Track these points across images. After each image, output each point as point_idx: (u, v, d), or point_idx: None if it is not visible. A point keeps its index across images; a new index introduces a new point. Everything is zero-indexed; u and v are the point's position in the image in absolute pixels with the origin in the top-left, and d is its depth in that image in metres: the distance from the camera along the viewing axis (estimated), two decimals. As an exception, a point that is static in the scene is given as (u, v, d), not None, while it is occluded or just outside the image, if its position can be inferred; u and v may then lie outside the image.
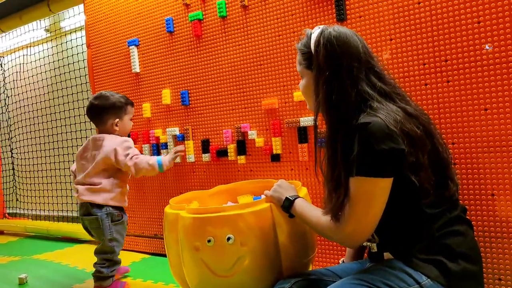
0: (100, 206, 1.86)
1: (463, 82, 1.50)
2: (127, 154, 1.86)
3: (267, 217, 1.43)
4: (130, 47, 2.45)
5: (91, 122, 3.02)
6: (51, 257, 2.67)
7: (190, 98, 2.26)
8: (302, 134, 1.87)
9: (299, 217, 1.30)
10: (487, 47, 1.45)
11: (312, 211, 1.26)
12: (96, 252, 1.93)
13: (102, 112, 1.91)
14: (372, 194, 1.04)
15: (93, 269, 1.96)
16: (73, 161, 2.13)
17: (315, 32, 1.18)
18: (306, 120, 1.84)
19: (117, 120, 1.93)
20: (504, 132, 1.43)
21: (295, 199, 1.33)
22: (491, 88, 1.45)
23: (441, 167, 1.13)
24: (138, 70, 2.45)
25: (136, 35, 2.44)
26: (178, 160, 2.19)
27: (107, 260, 1.91)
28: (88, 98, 3.07)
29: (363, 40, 1.18)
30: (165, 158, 1.94)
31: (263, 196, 1.78)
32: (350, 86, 1.10)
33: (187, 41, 2.23)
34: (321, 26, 1.20)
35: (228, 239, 1.38)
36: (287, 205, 1.34)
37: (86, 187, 1.85)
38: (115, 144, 1.86)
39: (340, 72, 1.11)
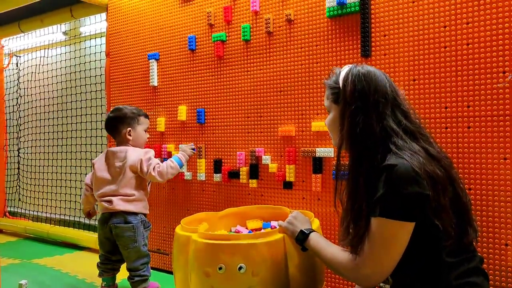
0: (135, 214, 1.98)
1: (484, 130, 1.51)
2: (150, 164, 1.99)
3: (280, 248, 1.43)
4: (150, 60, 2.47)
5: (101, 129, 3.05)
6: (51, 263, 2.65)
7: (206, 117, 2.27)
8: (317, 164, 1.87)
9: (314, 251, 1.30)
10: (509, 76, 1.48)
11: (327, 247, 1.26)
12: (132, 262, 2.00)
13: (116, 123, 2.04)
14: (394, 237, 1.04)
15: (97, 281, 1.98)
16: (88, 169, 2.15)
17: (344, 69, 1.22)
18: (322, 151, 1.85)
19: (129, 129, 2.04)
20: (523, 184, 1.44)
21: (310, 232, 1.33)
22: (512, 138, 1.46)
23: (461, 212, 1.13)
24: (156, 84, 2.47)
25: (157, 49, 2.46)
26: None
27: (145, 263, 2.03)
28: (102, 106, 3.09)
29: (391, 79, 1.21)
30: (181, 156, 2.10)
31: (273, 223, 1.79)
32: (376, 121, 1.12)
33: (208, 60, 2.25)
34: (350, 65, 1.23)
35: (240, 268, 1.37)
36: (301, 238, 1.34)
37: (120, 198, 1.97)
38: (139, 155, 2.00)
39: (366, 106, 1.13)
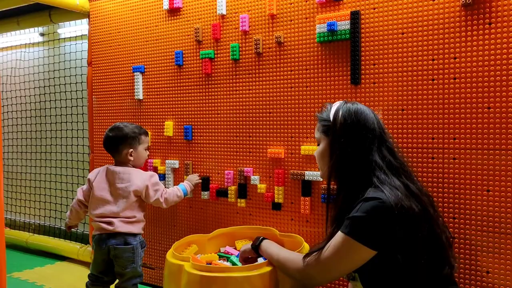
0: (134, 235, 1.96)
1: (469, 162, 1.56)
2: (157, 190, 1.99)
3: (273, 279, 1.46)
4: (135, 73, 2.43)
5: (83, 138, 3.00)
6: (33, 277, 2.60)
7: (193, 134, 2.26)
8: (306, 187, 1.90)
9: (266, 253, 1.49)
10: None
11: (280, 249, 1.48)
12: (125, 281, 1.97)
13: (117, 143, 2.01)
14: (350, 255, 1.16)
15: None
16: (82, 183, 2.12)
17: (336, 105, 1.33)
18: (311, 175, 1.88)
19: (131, 150, 2.01)
20: (504, 216, 1.50)
21: (264, 239, 1.56)
22: (495, 171, 1.52)
23: (437, 249, 1.22)
24: (141, 97, 2.44)
25: (142, 62, 2.43)
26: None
27: (137, 283, 2.01)
28: (83, 114, 3.03)
29: (379, 118, 1.31)
30: (187, 185, 2.13)
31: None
32: (362, 154, 1.23)
33: (196, 77, 2.24)
34: (341, 101, 1.33)
35: (234, 300, 1.40)
36: (256, 244, 1.55)
37: (121, 219, 1.94)
38: (144, 180, 1.97)
39: (354, 140, 1.24)
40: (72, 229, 2.20)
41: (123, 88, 2.52)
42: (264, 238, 1.57)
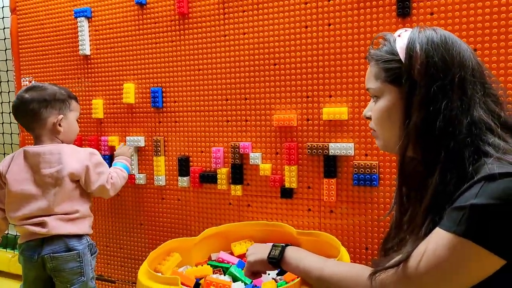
0: (78, 237, 1.42)
1: None
2: (101, 173, 1.45)
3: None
4: (78, 19, 1.78)
5: (8, 114, 2.29)
6: None
7: (164, 99, 1.66)
8: (331, 165, 1.37)
9: (301, 261, 0.92)
10: None
11: (323, 260, 0.91)
12: None
13: (39, 107, 1.40)
14: (463, 269, 0.68)
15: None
16: None
17: (404, 35, 0.81)
18: (338, 147, 1.35)
19: (61, 116, 1.43)
20: None
21: (286, 245, 0.98)
22: None
23: None
24: (88, 52, 1.79)
25: (87, 3, 1.78)
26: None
27: None
28: (8, 81, 2.32)
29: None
30: (125, 161, 1.62)
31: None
32: (462, 110, 0.76)
33: (166, 20, 1.63)
34: (410, 28, 0.83)
35: None
36: (278, 254, 0.95)
37: (57, 217, 1.39)
38: (82, 159, 1.42)
39: (448, 89, 0.76)
40: None
41: (62, 41, 1.86)
42: (287, 245, 0.99)
